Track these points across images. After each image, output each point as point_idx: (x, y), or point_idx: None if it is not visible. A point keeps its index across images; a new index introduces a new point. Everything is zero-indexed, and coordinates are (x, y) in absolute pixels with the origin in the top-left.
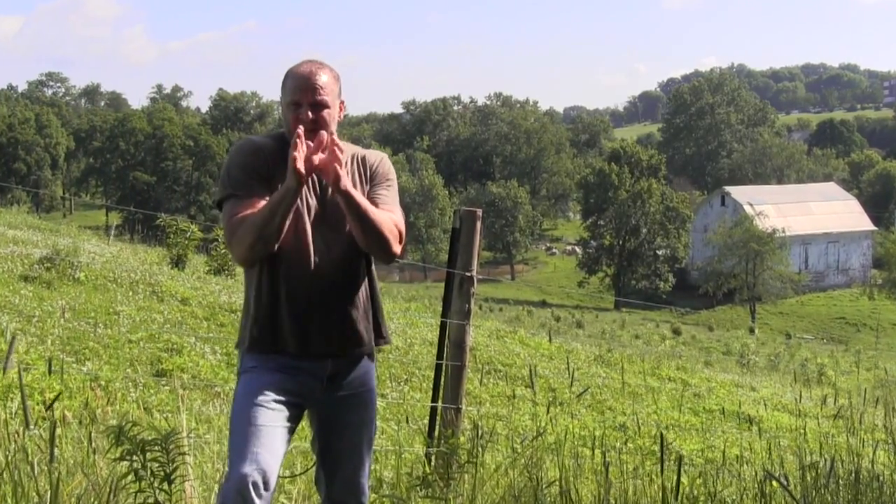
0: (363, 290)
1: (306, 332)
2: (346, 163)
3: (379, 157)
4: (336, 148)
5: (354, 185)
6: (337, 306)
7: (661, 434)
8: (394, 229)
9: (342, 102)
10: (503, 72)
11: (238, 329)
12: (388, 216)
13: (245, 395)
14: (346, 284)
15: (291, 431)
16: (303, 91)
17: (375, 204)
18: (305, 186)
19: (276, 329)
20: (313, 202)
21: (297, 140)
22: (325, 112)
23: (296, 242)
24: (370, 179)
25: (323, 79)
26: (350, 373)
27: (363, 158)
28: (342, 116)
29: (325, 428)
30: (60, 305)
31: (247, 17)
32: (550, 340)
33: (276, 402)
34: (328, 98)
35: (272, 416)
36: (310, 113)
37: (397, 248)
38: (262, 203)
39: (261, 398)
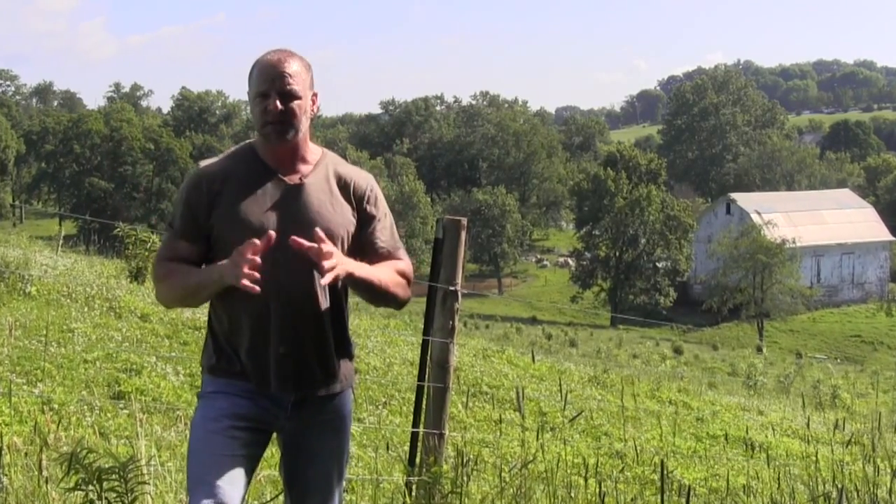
0: (337, 321)
1: (265, 372)
2: (329, 189)
3: (365, 180)
4: (327, 254)
5: (333, 206)
6: (306, 343)
7: (662, 461)
8: (401, 281)
9: (315, 95)
10: (490, 69)
11: (202, 347)
12: (393, 269)
13: (204, 422)
14: (315, 317)
15: (256, 459)
16: (271, 80)
17: (376, 245)
18: (272, 230)
19: (237, 360)
20: (278, 220)
21: (246, 253)
22: (296, 103)
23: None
24: (363, 211)
25: (293, 67)
26: (317, 403)
27: (346, 178)
28: (315, 110)
29: (293, 456)
30: (9, 322)
31: (216, 9)
32: (534, 360)
33: (237, 428)
34: (298, 88)
35: (233, 444)
36: (278, 103)
37: (408, 295)
38: (192, 249)
39: (220, 425)
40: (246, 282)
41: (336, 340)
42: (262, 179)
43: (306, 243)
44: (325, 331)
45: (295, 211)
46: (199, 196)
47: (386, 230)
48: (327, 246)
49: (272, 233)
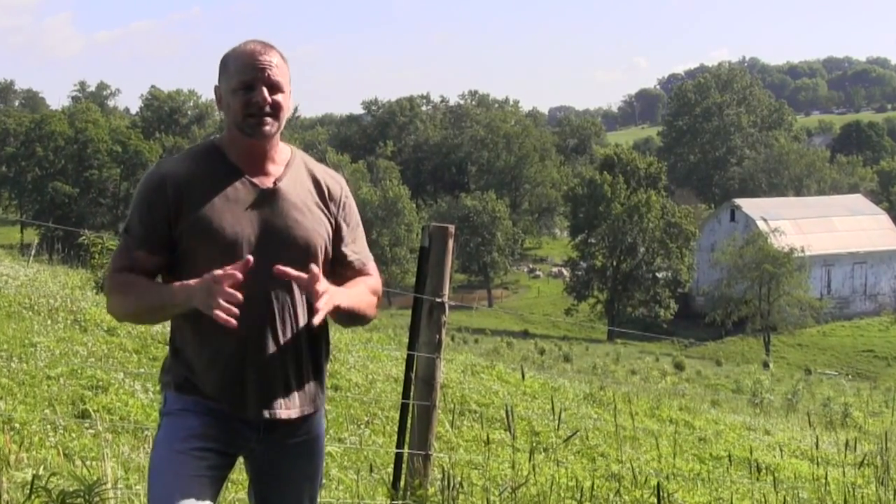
0: (314, 337)
1: (240, 393)
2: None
3: (339, 184)
4: (319, 289)
5: (311, 213)
6: (282, 360)
7: (658, 484)
8: (373, 301)
9: (289, 92)
10: (479, 66)
11: (163, 364)
12: (367, 289)
13: (167, 442)
14: (293, 332)
15: (221, 481)
16: (258, 70)
17: (349, 258)
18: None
19: (207, 380)
20: (252, 229)
21: (224, 283)
22: (280, 96)
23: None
24: (336, 216)
25: (276, 59)
26: (290, 425)
27: (320, 181)
28: (290, 110)
29: (263, 480)
30: None
31: (190, 2)
32: (524, 377)
33: (203, 449)
34: (282, 81)
35: (200, 464)
36: (267, 94)
37: (376, 313)
38: (151, 259)
39: (185, 445)
40: (220, 314)
41: (314, 358)
42: (231, 183)
43: (294, 273)
44: (302, 348)
45: (270, 218)
46: (163, 200)
47: (358, 240)
48: (320, 283)
49: (250, 258)
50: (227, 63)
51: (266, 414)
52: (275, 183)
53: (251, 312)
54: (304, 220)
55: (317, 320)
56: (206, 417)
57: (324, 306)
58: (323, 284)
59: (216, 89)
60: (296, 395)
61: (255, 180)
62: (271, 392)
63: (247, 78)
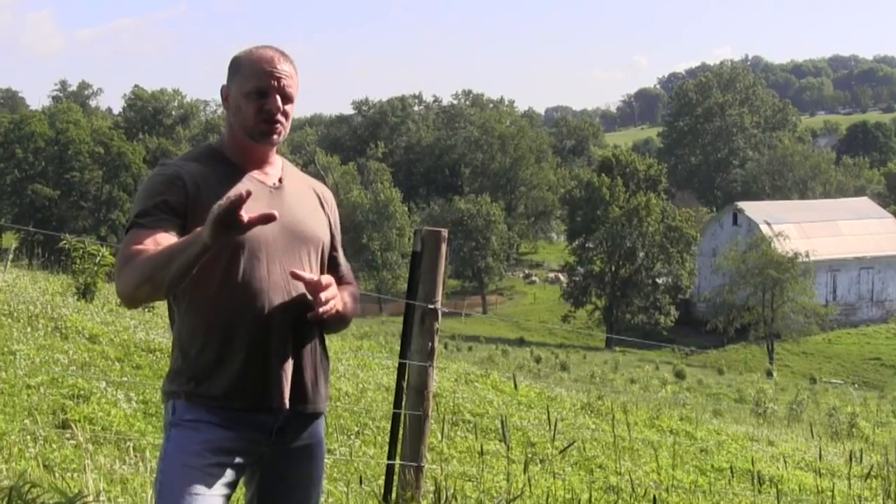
0: (322, 336)
1: (264, 385)
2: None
3: (328, 193)
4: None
5: (314, 211)
6: (300, 354)
7: (654, 498)
8: (357, 307)
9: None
10: (473, 65)
11: (169, 372)
12: (352, 297)
13: (178, 456)
14: (309, 327)
15: (229, 498)
16: (274, 78)
17: (339, 263)
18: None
19: (224, 380)
20: (271, 228)
21: (238, 199)
22: (289, 106)
23: (250, 275)
24: (330, 220)
25: (289, 68)
26: (301, 424)
27: (317, 189)
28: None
29: (269, 486)
30: None
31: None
32: (516, 386)
33: (216, 465)
34: (294, 93)
35: (213, 481)
36: (280, 103)
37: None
38: (168, 238)
39: (202, 460)
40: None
41: (323, 358)
42: (239, 180)
43: (307, 276)
44: (316, 338)
45: (281, 212)
46: (180, 190)
47: (341, 248)
48: (330, 286)
49: (245, 192)
50: (240, 65)
51: (287, 404)
52: (280, 181)
53: (272, 302)
54: (311, 216)
55: (313, 315)
56: (218, 429)
57: (327, 305)
58: (332, 291)
59: (223, 89)
60: (310, 390)
61: (259, 178)
62: (291, 382)
63: (263, 85)
